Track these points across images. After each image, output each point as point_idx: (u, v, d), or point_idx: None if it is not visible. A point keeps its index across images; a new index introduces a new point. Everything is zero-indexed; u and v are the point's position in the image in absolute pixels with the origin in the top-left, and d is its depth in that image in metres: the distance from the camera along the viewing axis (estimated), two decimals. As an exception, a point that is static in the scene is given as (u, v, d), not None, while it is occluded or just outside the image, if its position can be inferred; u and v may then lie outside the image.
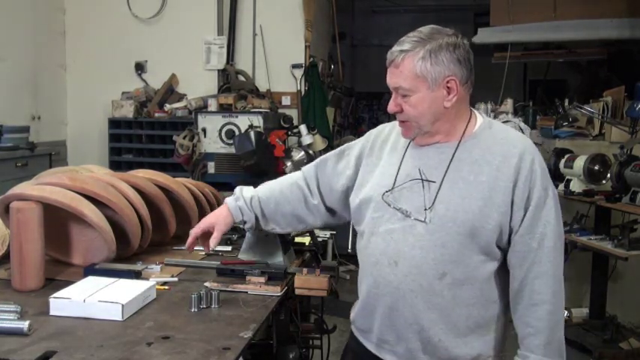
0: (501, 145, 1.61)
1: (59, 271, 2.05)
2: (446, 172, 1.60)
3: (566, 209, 4.46)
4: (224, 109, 5.02)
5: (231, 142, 4.82)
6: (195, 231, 1.91)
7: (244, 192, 1.95)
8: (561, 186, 4.30)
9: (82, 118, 5.78)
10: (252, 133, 4.67)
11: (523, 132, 5.15)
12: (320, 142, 5.08)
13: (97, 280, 1.81)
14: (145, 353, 1.44)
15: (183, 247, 2.36)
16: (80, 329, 1.57)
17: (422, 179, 1.62)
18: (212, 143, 4.92)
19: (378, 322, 1.67)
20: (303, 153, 4.93)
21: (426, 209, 1.59)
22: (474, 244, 1.56)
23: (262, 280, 1.91)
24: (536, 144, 5.46)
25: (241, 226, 1.96)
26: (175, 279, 1.99)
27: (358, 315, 1.75)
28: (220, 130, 4.90)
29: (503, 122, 5.17)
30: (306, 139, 4.95)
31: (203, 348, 1.47)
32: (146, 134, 5.33)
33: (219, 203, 2.70)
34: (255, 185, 2.57)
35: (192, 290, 1.80)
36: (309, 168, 1.95)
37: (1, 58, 4.84)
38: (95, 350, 1.44)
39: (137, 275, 1.95)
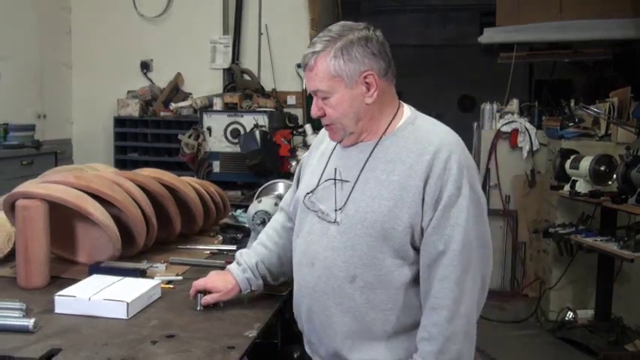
0: (418, 143, 1.53)
1: (64, 269, 2.05)
2: (360, 171, 1.56)
3: (571, 210, 4.48)
4: (229, 108, 5.02)
5: (236, 141, 4.82)
6: (199, 285, 1.76)
7: (245, 258, 1.80)
8: (567, 187, 4.28)
9: (88, 117, 5.79)
10: (257, 133, 4.66)
11: (528, 132, 5.14)
12: (325, 142, 5.06)
13: (102, 279, 1.82)
14: (149, 352, 1.44)
15: (188, 246, 2.38)
16: (85, 327, 1.57)
17: (335, 179, 1.59)
18: (217, 142, 4.92)
19: (303, 323, 1.67)
20: (308, 152, 4.92)
21: (336, 210, 1.56)
22: (387, 247, 1.50)
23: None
24: (541, 144, 5.39)
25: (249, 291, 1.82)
26: (180, 277, 1.99)
27: (294, 314, 1.73)
28: (225, 130, 4.90)
29: (509, 122, 5.20)
30: (312, 139, 4.94)
31: (208, 347, 1.48)
32: (151, 133, 5.34)
33: (225, 202, 2.71)
34: (260, 184, 2.58)
35: (196, 289, 1.80)
36: (289, 204, 1.84)
37: (6, 57, 4.86)
38: (100, 348, 1.45)
39: (142, 274, 1.96)
